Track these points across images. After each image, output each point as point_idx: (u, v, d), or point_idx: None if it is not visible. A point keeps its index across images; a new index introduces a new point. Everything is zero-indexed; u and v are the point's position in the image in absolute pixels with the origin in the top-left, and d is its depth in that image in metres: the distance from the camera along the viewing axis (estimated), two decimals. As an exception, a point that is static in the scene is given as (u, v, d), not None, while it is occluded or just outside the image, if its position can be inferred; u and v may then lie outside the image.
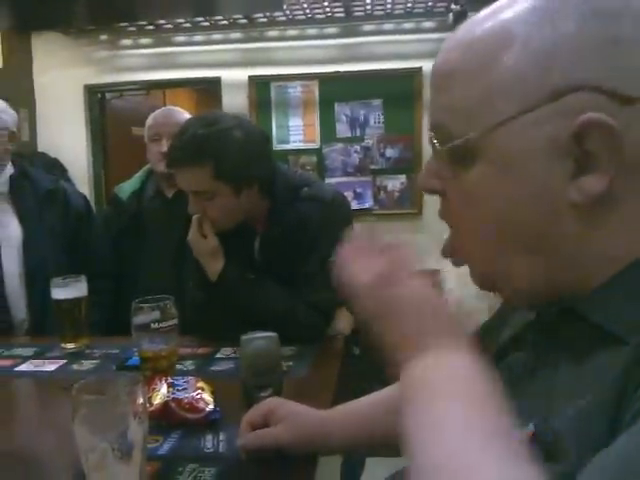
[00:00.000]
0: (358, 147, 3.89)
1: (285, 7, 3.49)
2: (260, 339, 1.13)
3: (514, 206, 0.50)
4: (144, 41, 4.12)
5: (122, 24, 3.91)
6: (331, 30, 3.91)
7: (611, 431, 0.41)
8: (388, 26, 3.86)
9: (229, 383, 1.19)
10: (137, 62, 4.14)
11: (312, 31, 3.92)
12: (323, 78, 3.89)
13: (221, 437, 1.00)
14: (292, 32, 3.95)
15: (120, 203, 2.17)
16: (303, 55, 3.93)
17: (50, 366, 1.43)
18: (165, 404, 1.04)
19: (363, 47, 3.88)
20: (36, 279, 1.75)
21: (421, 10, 3.71)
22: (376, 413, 0.88)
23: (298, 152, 3.93)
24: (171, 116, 2.14)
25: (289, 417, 0.88)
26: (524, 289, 0.53)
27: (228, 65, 4.00)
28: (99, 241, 2.00)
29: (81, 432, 0.74)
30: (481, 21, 0.52)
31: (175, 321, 1.25)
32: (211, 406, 1.05)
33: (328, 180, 3.81)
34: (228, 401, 1.09)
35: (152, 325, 1.22)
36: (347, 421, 0.88)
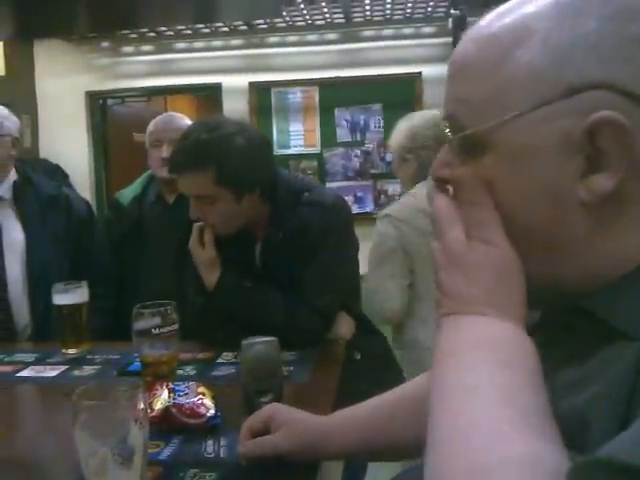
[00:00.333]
0: (358, 151, 3.90)
1: (285, 13, 3.51)
2: (260, 344, 1.13)
3: (521, 201, 0.50)
4: (145, 48, 4.14)
5: (123, 31, 3.93)
6: (331, 36, 3.93)
7: (620, 425, 0.40)
8: (388, 31, 3.88)
9: (230, 388, 1.19)
10: (138, 69, 4.16)
11: (312, 37, 3.94)
12: (323, 83, 3.90)
13: (222, 442, 1.00)
14: (292, 38, 3.97)
15: (121, 208, 2.17)
16: (303, 61, 3.94)
17: (51, 372, 1.43)
18: (166, 409, 1.04)
19: (363, 52, 3.90)
20: (39, 284, 1.76)
21: (420, 15, 3.73)
22: (377, 418, 0.87)
23: (299, 157, 3.95)
24: (172, 122, 2.15)
25: (289, 424, 0.88)
26: (527, 286, 0.52)
27: (229, 71, 4.02)
28: (101, 247, 2.00)
29: (82, 437, 0.74)
30: (501, 14, 0.51)
31: (176, 326, 1.25)
32: (212, 411, 1.05)
33: (329, 184, 3.82)
34: (229, 406, 1.09)
35: (153, 330, 1.22)
36: (348, 427, 0.87)
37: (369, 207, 3.91)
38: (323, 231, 1.49)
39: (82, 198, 2.13)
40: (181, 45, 4.09)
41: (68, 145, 4.15)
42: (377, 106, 3.87)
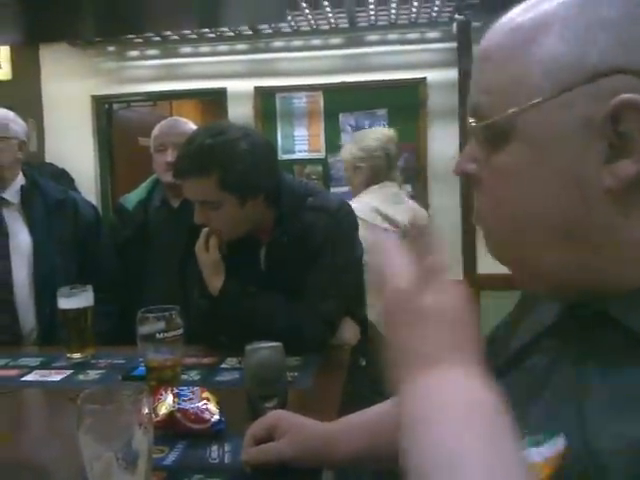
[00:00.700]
0: (363, 157, 3.90)
1: (290, 18, 3.51)
2: (265, 349, 1.13)
3: (543, 190, 0.49)
4: (151, 52, 4.15)
5: (129, 36, 3.94)
6: (335, 41, 3.93)
7: None
8: (392, 36, 3.87)
9: (234, 393, 1.18)
10: (144, 73, 4.17)
11: (317, 42, 3.94)
12: (328, 88, 3.90)
13: (226, 448, 1.00)
14: (297, 43, 3.97)
15: (126, 213, 2.18)
16: (308, 66, 3.95)
17: (56, 376, 1.44)
18: (170, 414, 1.04)
19: (367, 57, 3.90)
20: (45, 288, 1.76)
21: (425, 20, 3.72)
22: (382, 425, 0.86)
23: (303, 162, 3.94)
24: (176, 127, 2.15)
25: (292, 431, 0.87)
26: (547, 275, 0.52)
27: (234, 76, 4.02)
28: (107, 251, 2.00)
29: (86, 441, 0.74)
30: (525, 7, 0.52)
31: (180, 331, 1.26)
32: (216, 417, 1.05)
33: (334, 190, 3.80)
34: (233, 412, 1.09)
35: (157, 335, 1.22)
36: (352, 434, 0.87)
37: (374, 212, 3.90)
38: (327, 236, 1.49)
39: (89, 202, 2.13)
40: (186, 50, 4.11)
41: (74, 149, 4.16)
42: (382, 111, 3.87)
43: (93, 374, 1.44)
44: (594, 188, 0.47)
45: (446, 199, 3.81)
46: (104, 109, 4.32)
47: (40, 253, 1.84)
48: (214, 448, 1.00)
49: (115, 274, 1.99)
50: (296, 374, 1.35)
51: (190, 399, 1.08)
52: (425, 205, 3.85)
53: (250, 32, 3.88)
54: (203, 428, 1.04)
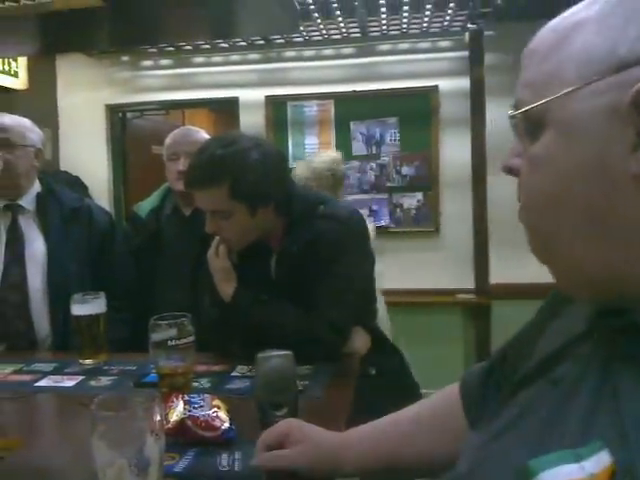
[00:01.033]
0: (374, 165, 3.89)
1: (301, 28, 3.53)
2: (275, 357, 1.13)
3: (574, 177, 0.50)
4: (164, 62, 4.19)
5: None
6: (347, 50, 3.95)
7: None
8: (404, 45, 3.88)
9: (244, 401, 1.19)
10: (157, 82, 4.21)
11: (328, 51, 3.96)
12: (339, 97, 3.91)
13: (237, 456, 1.00)
14: (308, 53, 3.99)
15: (139, 221, 2.20)
16: (319, 75, 3.96)
17: (69, 382, 1.45)
18: (181, 422, 1.04)
19: (379, 66, 3.91)
20: (59, 295, 1.77)
21: (437, 30, 3.72)
22: (394, 435, 0.87)
23: (314, 170, 3.95)
24: (188, 135, 2.17)
25: (305, 440, 0.87)
26: (579, 269, 0.52)
27: (246, 85, 4.05)
28: (122, 259, 2.02)
29: (99, 447, 0.75)
30: (568, 10, 0.54)
31: (192, 338, 1.26)
32: (227, 424, 1.06)
33: (344, 197, 3.81)
34: (244, 420, 1.09)
35: (169, 342, 1.23)
36: (363, 444, 0.87)
37: (384, 220, 3.89)
38: (338, 244, 1.49)
39: (104, 209, 2.14)
40: (199, 59, 4.14)
41: (88, 157, 4.20)
42: (393, 119, 3.86)
43: (105, 380, 1.45)
44: (622, 176, 0.48)
45: (458, 208, 3.80)
46: (118, 118, 4.36)
47: (55, 260, 1.85)
48: (224, 456, 1.00)
49: (129, 282, 2.00)
50: (307, 383, 1.35)
51: (201, 406, 1.09)
52: (437, 213, 3.85)
53: (262, 42, 3.90)
54: (213, 436, 1.04)
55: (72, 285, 1.69)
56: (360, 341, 1.59)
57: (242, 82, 4.05)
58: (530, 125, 0.54)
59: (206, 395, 1.14)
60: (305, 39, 3.82)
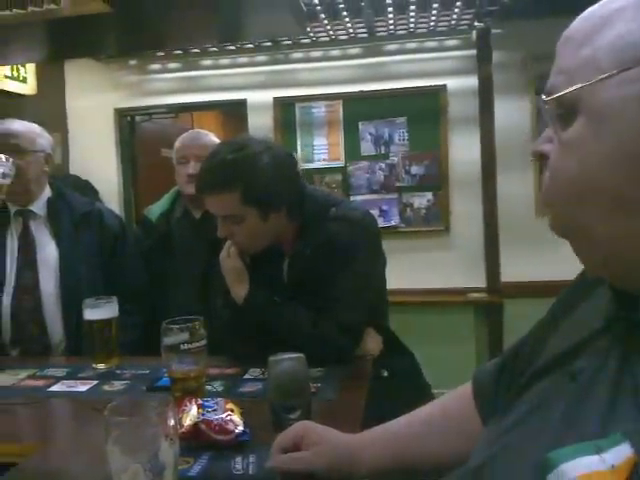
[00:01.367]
0: (383, 164, 3.87)
1: (308, 29, 3.53)
2: (288, 360, 1.13)
3: (603, 162, 0.51)
4: (172, 65, 4.20)
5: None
6: (354, 50, 3.94)
7: None
8: (411, 45, 3.86)
9: (257, 404, 1.19)
10: (165, 86, 4.22)
11: (335, 52, 3.95)
12: (347, 98, 3.91)
13: (251, 459, 1.00)
14: (316, 53, 3.99)
15: (149, 224, 2.20)
16: (327, 76, 3.96)
17: (82, 387, 1.45)
18: (195, 425, 1.04)
19: (386, 66, 3.90)
20: (72, 300, 1.78)
21: (444, 28, 3.71)
22: (408, 436, 0.87)
23: (323, 171, 3.95)
24: (197, 139, 2.18)
25: (321, 442, 0.87)
26: (601, 246, 0.53)
27: (253, 87, 4.05)
28: (133, 262, 2.02)
29: (114, 452, 0.75)
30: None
31: (204, 342, 1.26)
32: (240, 428, 1.06)
33: (353, 198, 3.80)
34: (257, 422, 1.09)
35: (181, 346, 1.23)
36: (378, 445, 0.87)
37: (394, 220, 3.88)
38: (350, 246, 1.49)
39: (115, 213, 2.15)
40: (207, 62, 4.14)
41: (97, 161, 4.22)
42: (401, 119, 3.85)
43: (118, 385, 1.46)
44: None
45: (468, 206, 3.78)
46: (127, 121, 4.38)
47: (67, 264, 1.86)
48: (238, 459, 1.00)
49: (140, 285, 2.00)
50: (319, 385, 1.34)
51: (214, 410, 1.09)
52: (447, 213, 3.83)
53: (270, 44, 3.91)
54: (227, 439, 1.04)
55: (84, 289, 1.70)
56: (372, 343, 1.58)
57: (250, 84, 4.06)
58: (563, 111, 0.54)
59: (219, 398, 1.14)
60: (312, 40, 3.82)
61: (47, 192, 1.95)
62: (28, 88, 3.80)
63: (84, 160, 4.21)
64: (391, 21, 3.51)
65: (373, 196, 3.88)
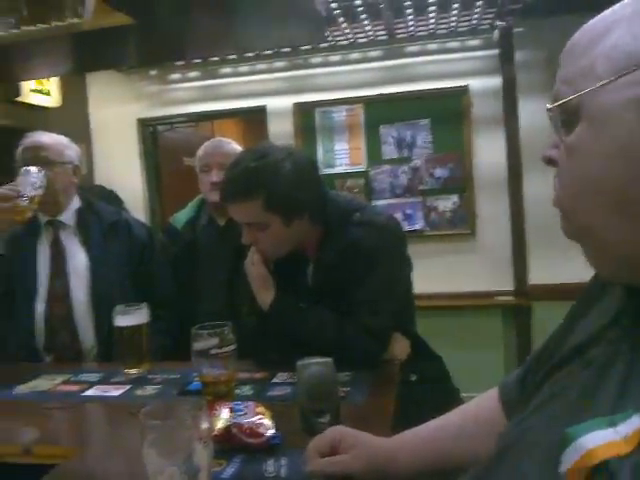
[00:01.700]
0: (406, 168, 3.85)
1: (327, 34, 3.54)
2: (316, 365, 1.13)
3: (604, 165, 0.54)
4: (192, 74, 4.25)
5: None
6: (374, 53, 3.93)
7: None
8: (432, 46, 3.84)
9: (286, 408, 1.19)
10: (186, 95, 4.27)
11: (355, 55, 3.96)
12: (368, 101, 3.90)
13: (282, 462, 1.00)
14: (335, 58, 3.99)
15: (175, 232, 2.23)
16: (347, 79, 3.96)
17: (115, 391, 1.47)
18: (227, 429, 1.05)
19: (407, 68, 3.88)
20: (102, 307, 1.80)
21: (465, 29, 3.68)
22: (442, 439, 0.87)
23: (344, 176, 3.95)
24: (219, 147, 2.20)
25: (358, 446, 0.87)
26: (611, 249, 0.56)
27: (273, 93, 4.08)
28: (161, 270, 2.05)
29: (150, 455, 0.76)
30: (603, 13, 0.58)
31: (233, 347, 1.28)
32: (271, 431, 1.06)
33: (376, 202, 3.78)
34: (287, 426, 1.10)
35: (211, 351, 1.25)
36: (414, 448, 0.87)
37: (419, 224, 3.85)
38: (375, 251, 1.48)
39: (142, 222, 2.18)
40: (226, 70, 4.18)
41: (122, 171, 4.28)
42: (424, 121, 3.82)
43: (150, 389, 1.47)
44: None
45: (494, 208, 3.74)
46: (149, 131, 4.44)
47: (97, 273, 1.89)
48: (270, 462, 1.00)
49: (168, 292, 2.03)
50: (347, 389, 1.34)
51: (245, 414, 1.09)
52: (473, 215, 3.80)
53: (288, 49, 3.92)
54: (259, 442, 1.05)
55: (114, 296, 1.72)
56: (399, 347, 1.57)
57: (269, 90, 4.08)
58: (566, 117, 0.58)
59: (249, 402, 1.15)
60: (331, 44, 3.82)
61: (76, 202, 1.98)
62: (53, 101, 3.88)
63: (109, 170, 4.28)
64: (411, 22, 3.50)
65: (396, 200, 3.86)
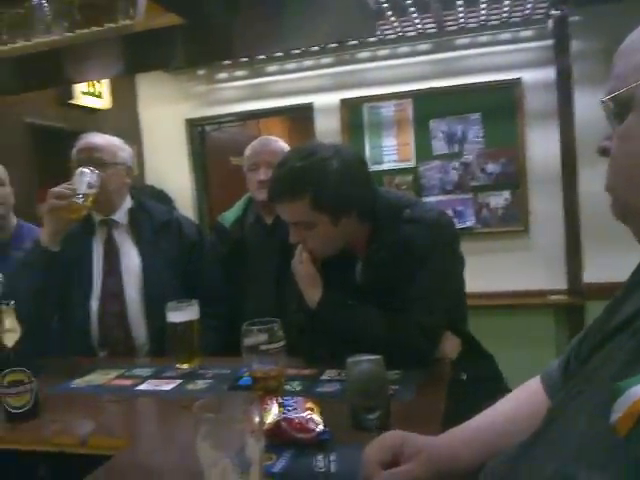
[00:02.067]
0: (457, 163, 3.79)
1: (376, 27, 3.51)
2: (366, 362, 1.13)
3: None
4: (239, 73, 4.30)
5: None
6: (423, 47, 3.87)
7: None
8: (483, 38, 3.76)
9: (336, 404, 1.19)
10: (233, 94, 4.32)
11: (404, 49, 3.91)
12: (417, 95, 3.85)
13: (332, 457, 1.00)
14: (383, 52, 3.96)
15: (224, 231, 2.26)
16: (395, 74, 3.92)
17: (167, 386, 1.50)
18: (277, 423, 1.05)
19: (458, 61, 3.81)
20: (154, 304, 1.83)
21: (518, 19, 3.58)
22: (495, 430, 0.87)
23: (393, 172, 3.91)
24: (267, 145, 2.22)
25: (421, 453, 0.83)
26: None
27: (320, 90, 4.07)
28: (210, 267, 2.07)
29: (203, 448, 0.77)
30: None
31: (282, 343, 1.29)
32: (321, 426, 1.06)
33: (425, 199, 3.73)
34: (336, 422, 1.10)
35: (261, 347, 1.26)
36: (473, 443, 0.86)
37: (470, 221, 3.77)
38: (427, 248, 1.46)
39: (192, 221, 2.21)
40: (273, 68, 4.21)
41: (171, 171, 4.37)
42: (475, 115, 3.74)
43: (201, 384, 1.49)
44: None
45: (548, 205, 3.65)
46: (197, 131, 4.51)
47: (149, 271, 1.93)
48: (320, 457, 1.00)
49: (218, 289, 2.05)
50: (397, 387, 1.33)
51: (294, 409, 1.10)
52: (526, 212, 3.70)
53: (336, 45, 3.91)
54: (308, 437, 1.04)
55: (166, 294, 1.74)
56: (450, 345, 1.55)
57: (316, 87, 4.08)
58: (619, 109, 0.64)
59: (299, 398, 1.15)
60: (380, 38, 3.79)
61: (128, 202, 2.02)
62: (104, 102, 4.00)
63: (158, 170, 4.38)
64: (461, 14, 3.43)
65: (446, 197, 3.80)
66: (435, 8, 3.27)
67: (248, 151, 2.24)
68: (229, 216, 2.30)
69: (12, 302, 1.33)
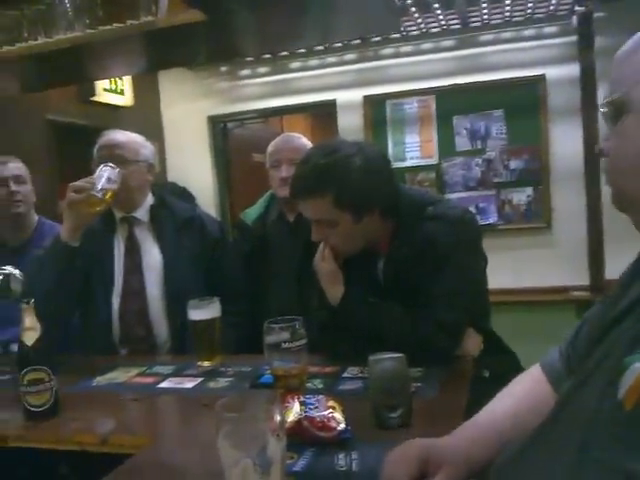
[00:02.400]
0: (480, 160, 3.76)
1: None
2: (388, 360, 1.13)
3: None
4: (261, 70, 4.30)
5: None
6: (447, 43, 3.85)
7: None
8: (507, 34, 3.73)
9: (357, 402, 1.18)
10: (256, 91, 4.32)
11: (427, 45, 3.88)
12: (440, 92, 3.83)
13: (354, 456, 1.00)
14: (406, 48, 3.93)
15: (246, 228, 2.26)
16: (419, 70, 3.89)
17: (188, 383, 1.50)
18: (298, 422, 1.05)
19: (481, 57, 3.78)
20: (176, 301, 1.83)
21: (542, 15, 3.54)
22: (503, 425, 0.87)
23: (415, 169, 3.89)
24: (289, 142, 2.21)
25: (446, 460, 0.82)
26: None
27: (343, 87, 4.06)
28: (233, 265, 2.07)
29: (225, 447, 0.76)
30: None
31: (304, 341, 1.28)
32: (343, 425, 1.05)
33: (448, 196, 3.71)
34: (358, 420, 1.09)
35: (283, 345, 1.25)
36: (486, 440, 0.86)
37: (492, 218, 3.74)
38: (450, 246, 1.44)
39: (214, 218, 2.20)
40: (296, 64, 4.20)
41: (193, 168, 4.39)
42: (498, 112, 3.71)
43: (222, 382, 1.49)
44: None
45: (571, 202, 3.61)
46: (219, 128, 4.53)
47: (171, 268, 1.92)
48: (341, 456, 1.00)
49: (240, 287, 2.05)
50: (419, 385, 1.32)
51: (316, 407, 1.09)
52: (548, 209, 3.66)
53: (359, 41, 3.89)
54: (330, 436, 1.04)
55: (187, 292, 1.74)
56: (472, 343, 1.53)
57: (339, 84, 4.07)
58: (615, 111, 0.71)
59: (321, 396, 1.14)
60: (403, 35, 3.76)
61: (150, 199, 2.02)
62: (126, 100, 4.02)
63: (180, 167, 4.40)
64: (485, 10, 3.40)
65: (469, 193, 3.77)
66: (459, 4, 3.24)
67: (270, 148, 2.24)
68: (251, 213, 2.30)
69: (32, 300, 1.32)
